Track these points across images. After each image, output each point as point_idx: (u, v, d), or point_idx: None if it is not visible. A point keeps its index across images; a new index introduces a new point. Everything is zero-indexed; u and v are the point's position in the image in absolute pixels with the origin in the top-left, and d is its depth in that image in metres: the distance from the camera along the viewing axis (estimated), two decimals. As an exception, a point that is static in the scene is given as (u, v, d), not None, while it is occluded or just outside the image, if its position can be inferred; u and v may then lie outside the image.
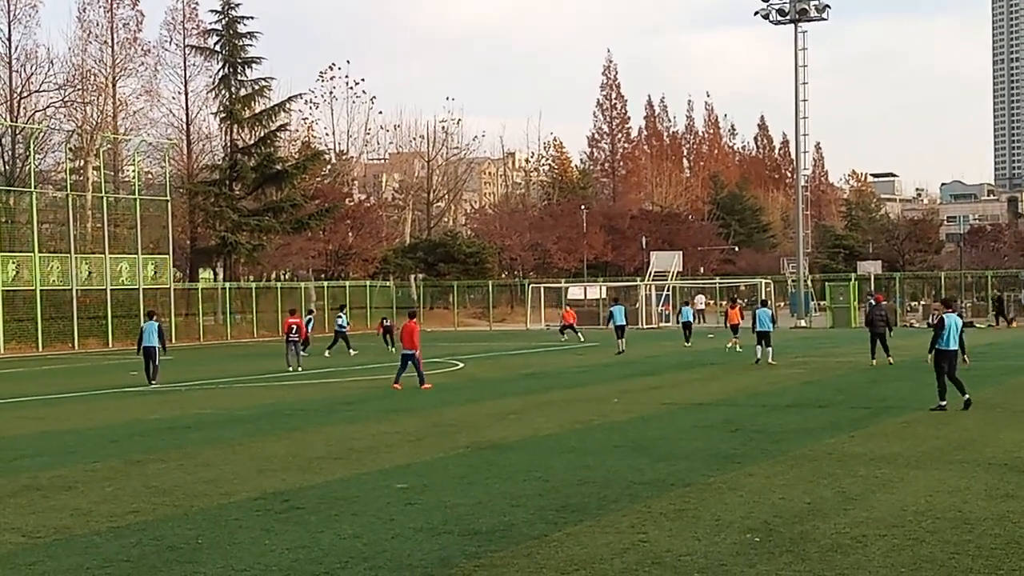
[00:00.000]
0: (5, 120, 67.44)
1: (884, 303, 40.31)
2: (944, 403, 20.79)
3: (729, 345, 41.63)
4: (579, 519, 11.81)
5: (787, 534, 10.95)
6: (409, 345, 28.37)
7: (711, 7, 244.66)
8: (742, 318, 44.75)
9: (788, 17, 70.69)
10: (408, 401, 25.51)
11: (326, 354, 42.98)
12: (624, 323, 44.33)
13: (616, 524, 11.53)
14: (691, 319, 51.72)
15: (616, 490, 13.41)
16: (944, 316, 21.43)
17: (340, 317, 47.52)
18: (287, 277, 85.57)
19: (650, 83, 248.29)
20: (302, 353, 38.08)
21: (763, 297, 64.49)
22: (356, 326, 73.23)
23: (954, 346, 20.95)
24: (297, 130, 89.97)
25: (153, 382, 30.90)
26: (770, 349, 35.49)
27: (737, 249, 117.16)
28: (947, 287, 71.15)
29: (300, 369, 36.09)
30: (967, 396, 20.77)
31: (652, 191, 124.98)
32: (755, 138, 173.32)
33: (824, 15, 70.88)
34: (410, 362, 28.49)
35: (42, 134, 66.21)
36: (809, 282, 75.01)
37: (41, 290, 54.95)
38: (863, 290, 66.31)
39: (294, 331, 36.98)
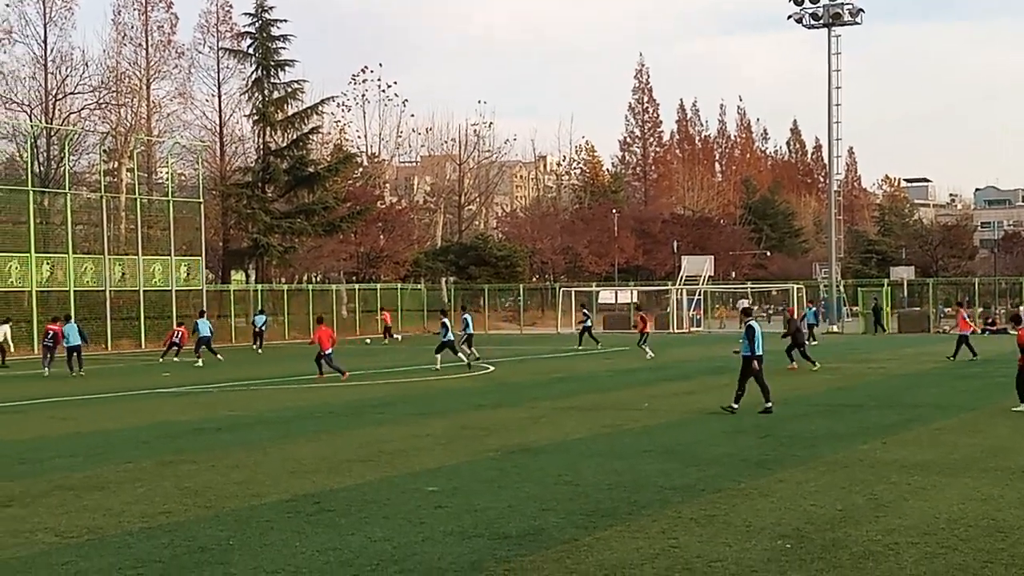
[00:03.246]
0: (40, 122, 67.90)
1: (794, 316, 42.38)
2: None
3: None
4: (609, 524, 11.78)
5: (819, 541, 10.88)
6: (327, 346, 33.31)
7: (744, 11, 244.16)
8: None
9: (822, 21, 70.50)
10: (438, 404, 25.53)
11: (218, 358, 42.79)
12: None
13: (646, 529, 11.49)
14: (814, 320, 52.26)
15: (646, 495, 13.37)
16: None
17: (260, 316, 47.95)
18: (319, 279, 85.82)
19: (682, 87, 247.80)
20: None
21: (808, 299, 65.10)
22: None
23: None
24: (329, 133, 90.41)
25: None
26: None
27: (769, 254, 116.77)
28: (981, 293, 70.61)
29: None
30: None
31: (684, 195, 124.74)
32: (788, 142, 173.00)
33: (858, 19, 70.68)
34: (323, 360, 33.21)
35: (77, 136, 66.65)
36: (841, 287, 74.68)
37: (75, 291, 55.30)
38: (896, 296, 66.06)
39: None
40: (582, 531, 11.44)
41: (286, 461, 16.64)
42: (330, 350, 33.41)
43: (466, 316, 43.41)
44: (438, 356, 36.73)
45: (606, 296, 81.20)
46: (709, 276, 78.96)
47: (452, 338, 37.06)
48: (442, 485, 14.20)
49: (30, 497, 13.90)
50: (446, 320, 37.63)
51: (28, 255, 53.34)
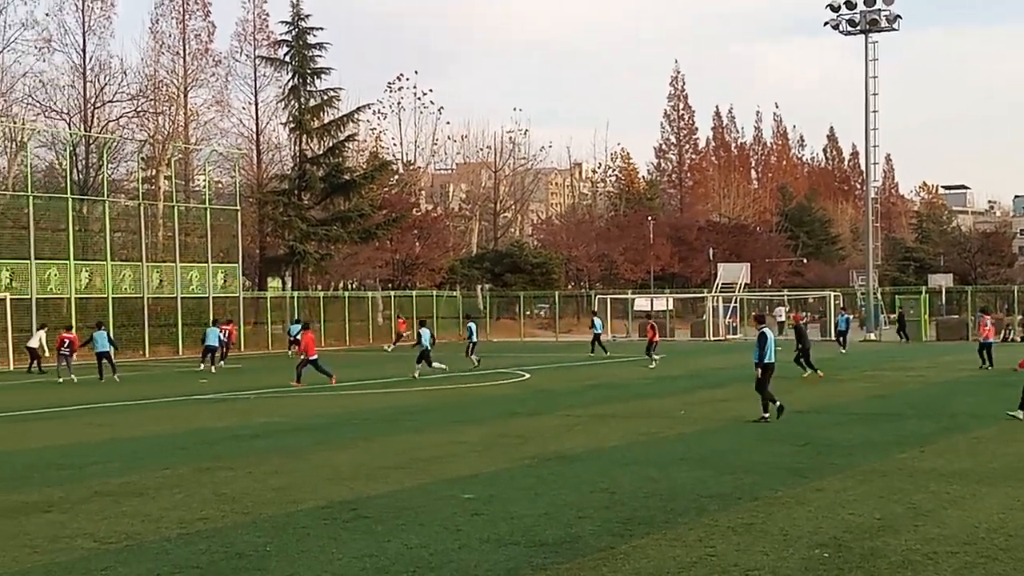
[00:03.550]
0: (79, 130, 68.41)
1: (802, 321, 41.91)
2: None
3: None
4: (646, 532, 11.75)
5: (857, 550, 10.82)
6: (311, 352, 33.97)
7: (780, 18, 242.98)
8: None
9: (858, 28, 70.07)
10: (474, 411, 25.56)
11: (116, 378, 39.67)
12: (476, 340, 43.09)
13: (683, 537, 11.46)
14: (845, 327, 52.26)
15: (682, 503, 13.33)
16: None
17: (296, 325, 48.01)
18: (354, 286, 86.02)
19: (718, 93, 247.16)
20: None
21: (842, 305, 64.83)
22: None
23: None
24: (365, 140, 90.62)
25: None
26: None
27: (805, 261, 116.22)
28: (1020, 301, 70.01)
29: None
30: None
31: (719, 202, 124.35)
32: (824, 149, 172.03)
33: (895, 25, 70.20)
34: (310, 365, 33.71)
35: (115, 144, 67.10)
36: (879, 295, 74.22)
37: (113, 298, 55.69)
38: (934, 304, 65.60)
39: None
40: (618, 539, 11.42)
41: (323, 468, 16.70)
42: (315, 356, 34.10)
43: (471, 325, 43.95)
44: (419, 366, 36.83)
45: (641, 303, 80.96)
46: (745, 283, 78.61)
47: (428, 348, 37.26)
48: (478, 492, 14.21)
49: (69, 503, 14.01)
50: (423, 330, 37.83)
51: (67, 262, 53.77)
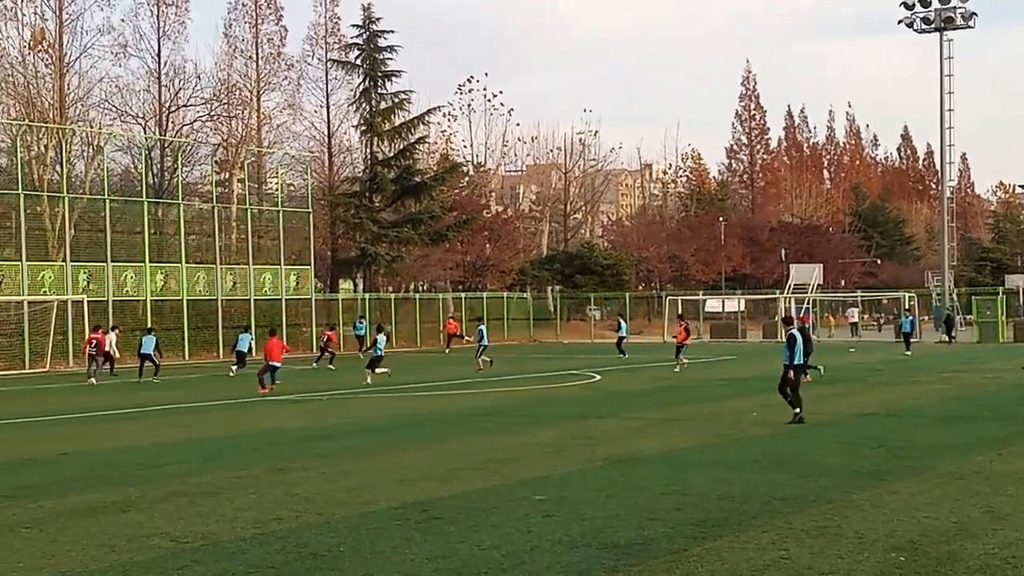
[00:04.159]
0: (154, 134, 69.28)
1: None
2: None
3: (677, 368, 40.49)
4: (719, 534, 11.69)
5: (934, 554, 10.69)
6: (274, 358, 33.62)
7: (853, 16, 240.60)
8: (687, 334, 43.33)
9: (933, 26, 69.34)
10: (545, 413, 25.57)
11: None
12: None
13: (756, 540, 11.39)
14: (910, 330, 51.87)
15: (756, 505, 13.24)
16: None
17: (361, 323, 48.28)
18: (425, 288, 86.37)
19: (790, 93, 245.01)
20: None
21: (907, 306, 64.09)
22: (492, 337, 73.85)
23: None
24: (435, 142, 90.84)
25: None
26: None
27: (879, 262, 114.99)
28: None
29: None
30: None
31: (792, 203, 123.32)
32: (898, 148, 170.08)
33: (971, 23, 69.36)
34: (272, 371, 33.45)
35: (189, 147, 67.92)
36: (954, 296, 73.32)
37: (188, 300, 56.35)
38: (1011, 304, 64.65)
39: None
40: (691, 541, 11.38)
41: (394, 469, 16.78)
42: (279, 364, 33.69)
43: (481, 328, 44.21)
44: (368, 371, 36.14)
45: (713, 305, 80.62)
46: (818, 284, 77.97)
47: (381, 354, 36.71)
48: (550, 494, 14.21)
49: (147, 502, 14.19)
50: (380, 336, 37.54)
51: (143, 265, 54.48)
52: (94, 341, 40.20)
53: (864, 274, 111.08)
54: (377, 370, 36.08)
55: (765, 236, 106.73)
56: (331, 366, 45.40)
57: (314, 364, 46.36)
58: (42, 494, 14.93)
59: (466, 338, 59.25)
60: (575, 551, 11.03)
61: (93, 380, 38.54)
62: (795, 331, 22.20)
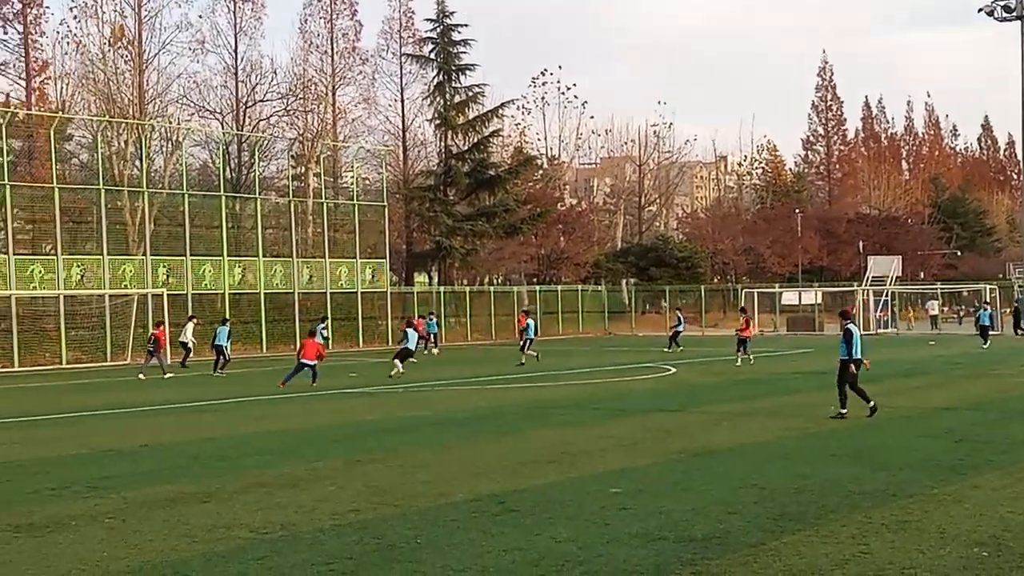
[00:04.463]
0: (231, 129, 70.01)
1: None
2: None
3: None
4: (797, 528, 11.61)
5: (1018, 549, 10.53)
6: (306, 356, 33.01)
7: (932, 4, 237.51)
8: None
9: (1015, 13, 68.10)
10: (620, 406, 25.52)
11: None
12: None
13: (836, 534, 11.29)
14: (988, 323, 51.36)
15: (834, 499, 13.12)
16: None
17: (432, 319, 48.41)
18: (500, 281, 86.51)
19: (867, 84, 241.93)
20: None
21: (986, 300, 63.10)
22: (567, 330, 73.87)
23: None
24: (510, 135, 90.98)
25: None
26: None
27: (959, 253, 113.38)
28: None
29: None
30: None
31: (869, 194, 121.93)
32: (978, 139, 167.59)
33: (1053, 10, 67.99)
34: (306, 368, 32.91)
35: (266, 142, 68.57)
36: (1035, 287, 72.09)
37: (265, 293, 56.91)
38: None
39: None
40: (769, 535, 11.30)
41: (471, 461, 16.83)
42: (310, 362, 32.89)
43: (529, 321, 44.43)
44: (396, 361, 36.04)
45: (789, 297, 79.86)
46: (897, 277, 77.00)
47: (411, 348, 36.62)
48: (626, 487, 14.18)
49: (227, 493, 14.36)
50: (409, 330, 37.22)
51: (221, 259, 55.08)
52: (153, 336, 40.50)
53: (944, 266, 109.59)
54: (400, 364, 36.01)
55: (842, 228, 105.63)
56: (427, 352, 46.07)
57: (426, 351, 46.92)
58: (124, 485, 15.16)
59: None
60: (652, 544, 11.00)
61: (141, 376, 38.47)
62: (851, 325, 21.97)
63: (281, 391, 31.15)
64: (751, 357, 40.58)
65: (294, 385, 32.04)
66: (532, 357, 41.58)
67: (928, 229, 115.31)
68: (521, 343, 43.31)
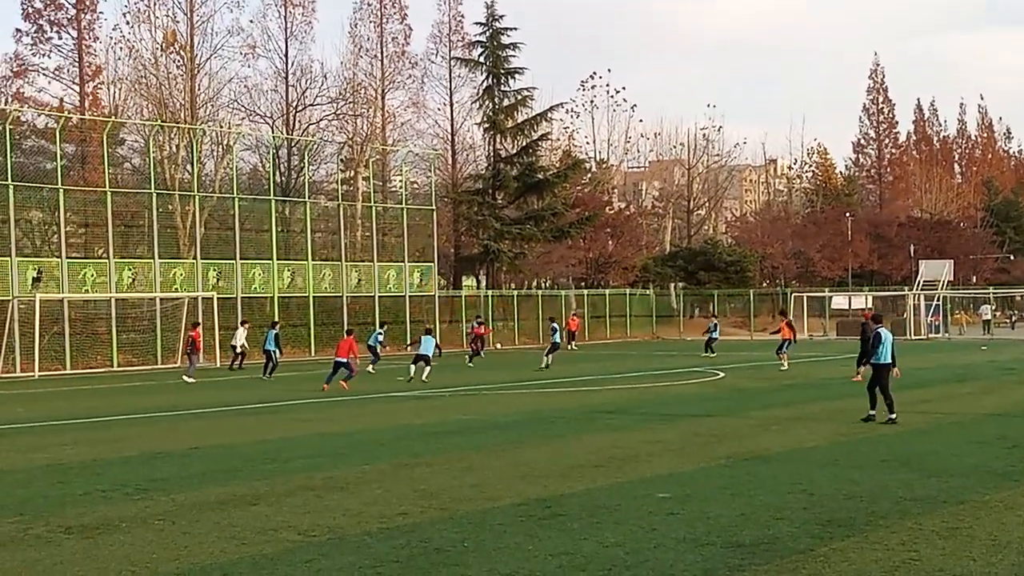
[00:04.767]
0: (281, 133, 70.39)
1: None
2: None
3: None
4: (846, 534, 11.52)
5: (1070, 558, 10.41)
6: (339, 354, 33.78)
7: (984, 6, 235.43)
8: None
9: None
10: (668, 410, 25.45)
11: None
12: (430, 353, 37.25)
13: (885, 541, 11.19)
14: None
15: (884, 506, 13.02)
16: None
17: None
18: (548, 285, 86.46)
19: (919, 86, 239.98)
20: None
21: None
22: (614, 334, 73.74)
23: None
24: (558, 139, 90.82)
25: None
26: None
27: (1012, 257, 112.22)
28: None
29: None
30: None
31: (921, 198, 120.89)
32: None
33: (1109, 11, 67.25)
34: (342, 368, 33.39)
35: (316, 146, 68.90)
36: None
37: (314, 296, 57.19)
38: None
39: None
40: (817, 541, 11.23)
41: (518, 465, 16.82)
42: (342, 360, 33.48)
43: (554, 325, 45.10)
44: (413, 367, 35.70)
45: (839, 301, 79.33)
46: (948, 281, 76.32)
47: (429, 355, 35.62)
48: (674, 491, 14.13)
49: (275, 496, 14.43)
50: (426, 337, 36.32)
51: (270, 262, 55.41)
52: (191, 339, 40.72)
53: (997, 270, 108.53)
54: (411, 369, 35.80)
55: (893, 232, 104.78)
56: (470, 364, 45.93)
57: (470, 362, 46.89)
58: (174, 487, 15.28)
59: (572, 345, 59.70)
60: (699, 549, 10.96)
61: (186, 378, 38.26)
62: (881, 329, 21.82)
63: (325, 393, 31.29)
64: (785, 364, 39.73)
65: (341, 389, 32.17)
66: (546, 364, 41.65)
67: (980, 233, 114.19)
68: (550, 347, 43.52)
